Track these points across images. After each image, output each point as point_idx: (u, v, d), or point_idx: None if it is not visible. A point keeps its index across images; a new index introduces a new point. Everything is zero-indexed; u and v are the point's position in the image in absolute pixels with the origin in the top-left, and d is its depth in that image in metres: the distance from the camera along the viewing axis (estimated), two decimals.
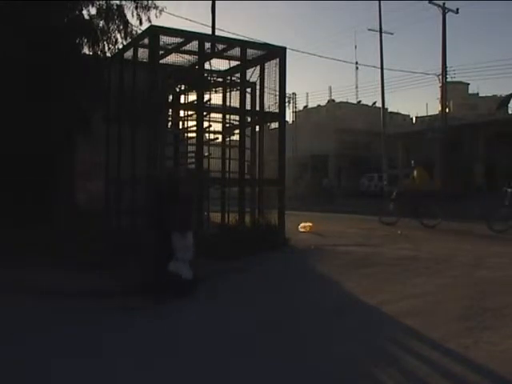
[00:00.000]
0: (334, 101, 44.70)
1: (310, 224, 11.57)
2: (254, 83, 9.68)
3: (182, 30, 8.64)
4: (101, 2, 10.49)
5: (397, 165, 32.25)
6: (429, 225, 11.97)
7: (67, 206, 10.46)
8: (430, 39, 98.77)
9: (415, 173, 13.20)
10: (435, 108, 54.71)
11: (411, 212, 12.43)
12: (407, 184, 13.34)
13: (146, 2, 10.87)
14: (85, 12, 10.49)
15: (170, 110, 10.28)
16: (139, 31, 10.14)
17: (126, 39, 10.61)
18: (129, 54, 9.17)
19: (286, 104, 11.33)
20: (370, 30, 31.54)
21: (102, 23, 10.46)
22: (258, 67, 9.53)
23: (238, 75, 9.65)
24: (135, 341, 4.33)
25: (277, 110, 9.37)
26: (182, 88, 10.26)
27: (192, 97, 9.86)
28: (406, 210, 12.58)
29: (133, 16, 10.79)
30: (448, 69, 29.76)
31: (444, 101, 29.65)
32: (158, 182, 6.85)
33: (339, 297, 5.72)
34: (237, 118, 9.64)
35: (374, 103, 39.65)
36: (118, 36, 10.62)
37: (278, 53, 9.30)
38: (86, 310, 5.24)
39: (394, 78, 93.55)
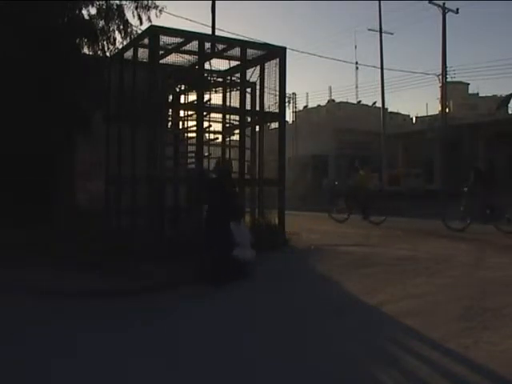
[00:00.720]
0: (334, 101, 44.65)
1: None
2: (254, 83, 9.67)
3: (182, 30, 8.63)
4: (101, 2, 10.51)
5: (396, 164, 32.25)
6: (375, 222, 12.69)
7: (67, 206, 10.47)
8: (429, 39, 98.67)
9: (360, 173, 14.26)
10: (435, 108, 54.72)
11: (360, 210, 13.40)
12: (356, 183, 14.20)
13: (146, 2, 10.89)
14: (85, 12, 10.52)
15: (170, 110, 10.28)
16: (139, 31, 10.16)
17: (125, 39, 10.63)
18: (129, 53, 9.17)
19: (286, 104, 11.33)
20: (370, 30, 31.54)
21: (101, 23, 10.48)
22: (258, 67, 9.53)
23: (238, 75, 9.65)
24: (130, 342, 4.33)
25: (277, 110, 9.37)
26: (182, 88, 10.26)
27: (192, 97, 9.85)
28: (355, 208, 13.54)
29: (133, 16, 10.82)
30: (448, 69, 29.75)
31: (444, 101, 29.63)
32: (219, 176, 7.43)
33: (339, 297, 5.72)
34: (237, 118, 9.63)
35: (374, 103, 39.62)
36: (118, 36, 10.67)
37: (277, 53, 9.30)
38: (86, 310, 5.25)
39: (394, 78, 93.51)
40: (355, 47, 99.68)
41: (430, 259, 7.59)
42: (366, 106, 42.06)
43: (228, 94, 9.94)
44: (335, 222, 13.29)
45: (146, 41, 8.49)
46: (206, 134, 9.70)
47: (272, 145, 9.70)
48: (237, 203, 7.29)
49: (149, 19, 10.98)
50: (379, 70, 29.00)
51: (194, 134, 9.42)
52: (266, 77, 9.45)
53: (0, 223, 8.44)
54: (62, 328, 4.65)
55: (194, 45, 8.57)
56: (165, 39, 8.44)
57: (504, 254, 7.99)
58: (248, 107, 9.52)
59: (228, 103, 9.88)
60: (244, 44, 9.48)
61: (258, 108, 9.61)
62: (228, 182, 7.17)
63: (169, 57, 9.02)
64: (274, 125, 9.68)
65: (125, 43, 10.40)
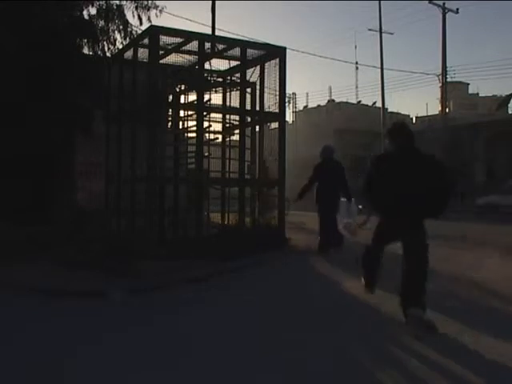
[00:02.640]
0: (333, 101, 44.61)
1: None
2: (254, 83, 9.66)
3: (182, 30, 8.63)
4: (101, 2, 10.52)
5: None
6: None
7: (67, 206, 10.47)
8: (429, 39, 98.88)
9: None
10: (435, 108, 54.78)
11: None
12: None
13: (145, 2, 10.91)
14: (85, 12, 10.53)
15: (170, 110, 10.28)
16: (139, 31, 10.17)
17: (125, 39, 10.65)
18: (129, 53, 9.17)
19: (286, 104, 11.32)
20: (370, 30, 31.62)
21: (102, 23, 10.49)
22: (258, 67, 9.52)
23: (238, 75, 9.65)
24: (130, 342, 4.33)
25: (277, 110, 9.36)
26: (182, 88, 10.25)
27: (192, 97, 9.85)
28: None
29: (133, 16, 10.84)
30: (448, 69, 29.78)
31: (444, 101, 29.65)
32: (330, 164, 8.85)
33: (339, 297, 5.72)
34: (237, 118, 9.63)
35: (374, 103, 39.59)
36: (118, 36, 10.69)
37: (278, 53, 9.30)
38: (86, 310, 5.25)
39: (394, 77, 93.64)
40: (355, 47, 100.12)
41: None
42: (366, 105, 42.05)
43: (228, 93, 9.94)
44: None
45: (146, 41, 8.48)
46: (206, 134, 9.70)
47: (272, 145, 9.69)
48: (347, 184, 8.75)
49: (149, 19, 11.02)
50: (379, 70, 29.04)
51: (194, 134, 9.42)
52: (265, 77, 9.44)
53: (0, 223, 8.45)
54: (62, 328, 4.66)
55: (194, 45, 8.56)
56: (165, 39, 8.44)
57: None
58: (248, 107, 9.52)
59: (228, 103, 9.88)
60: (244, 44, 9.48)
61: (258, 108, 9.60)
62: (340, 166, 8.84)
63: (169, 57, 9.02)
64: (274, 125, 9.67)
65: (125, 43, 10.41)
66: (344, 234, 8.77)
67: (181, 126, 10.33)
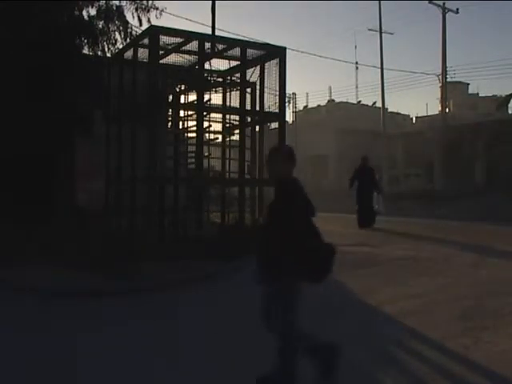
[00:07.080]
0: (333, 101, 44.56)
1: None
2: (254, 83, 9.66)
3: (182, 30, 8.63)
4: (101, 3, 10.52)
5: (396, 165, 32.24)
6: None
7: (67, 206, 10.46)
8: (429, 39, 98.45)
9: None
10: (435, 108, 54.71)
11: None
12: None
13: (145, 3, 10.90)
14: (85, 13, 10.53)
15: (170, 110, 10.27)
16: (139, 31, 10.17)
17: (125, 40, 10.64)
18: (129, 54, 9.17)
19: (286, 104, 11.32)
20: (370, 30, 31.54)
21: (101, 24, 10.49)
22: (258, 67, 9.52)
23: (238, 75, 9.64)
24: (130, 342, 4.33)
25: (277, 110, 9.36)
26: (182, 88, 10.25)
27: (192, 97, 9.85)
28: None
29: (133, 17, 10.84)
30: (448, 69, 29.79)
31: (444, 101, 29.66)
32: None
33: (340, 297, 5.71)
34: (237, 118, 9.63)
35: (374, 103, 39.55)
36: (118, 36, 10.67)
37: (278, 53, 9.29)
38: (86, 310, 5.25)
39: (394, 78, 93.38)
40: (355, 47, 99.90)
41: (430, 259, 7.59)
42: (366, 105, 42.03)
43: (228, 93, 9.93)
44: (345, 222, 13.30)
45: (146, 41, 8.48)
46: (206, 134, 9.70)
47: (272, 145, 9.66)
48: (376, 181, 12.67)
49: (149, 21, 11.01)
50: (379, 70, 29.05)
51: (194, 134, 9.42)
52: (265, 77, 9.44)
53: (0, 223, 8.44)
54: (62, 328, 4.66)
55: (194, 45, 8.56)
56: (165, 39, 8.43)
57: None
58: (248, 107, 9.51)
59: (228, 103, 9.87)
60: (244, 44, 9.48)
61: (258, 108, 9.60)
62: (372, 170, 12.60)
63: (169, 57, 9.01)
64: (274, 125, 9.66)
65: (125, 43, 10.41)
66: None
67: (181, 126, 10.33)
